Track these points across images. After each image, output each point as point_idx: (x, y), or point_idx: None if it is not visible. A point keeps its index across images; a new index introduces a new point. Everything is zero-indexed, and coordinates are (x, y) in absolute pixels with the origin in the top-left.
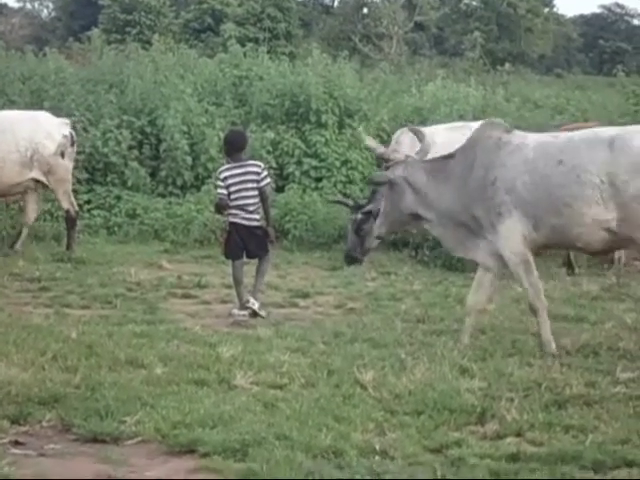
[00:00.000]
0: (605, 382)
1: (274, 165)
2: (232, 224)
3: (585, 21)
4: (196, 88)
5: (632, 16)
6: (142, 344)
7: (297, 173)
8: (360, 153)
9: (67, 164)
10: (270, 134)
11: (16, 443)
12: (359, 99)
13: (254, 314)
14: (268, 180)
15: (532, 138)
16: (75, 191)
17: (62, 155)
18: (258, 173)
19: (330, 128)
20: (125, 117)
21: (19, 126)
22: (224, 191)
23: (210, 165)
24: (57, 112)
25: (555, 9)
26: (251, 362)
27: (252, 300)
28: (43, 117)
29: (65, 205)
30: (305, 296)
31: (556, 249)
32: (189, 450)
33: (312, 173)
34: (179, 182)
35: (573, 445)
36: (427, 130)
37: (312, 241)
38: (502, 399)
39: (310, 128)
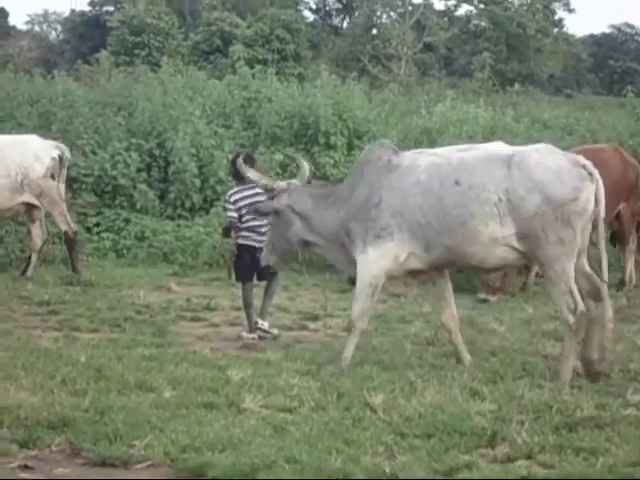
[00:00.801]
0: (616, 404)
1: None
2: (243, 246)
3: (595, 41)
4: (205, 110)
5: None
6: (151, 367)
7: None
8: None
9: (58, 186)
10: (279, 156)
11: (25, 467)
12: (368, 120)
13: (264, 334)
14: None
15: (424, 160)
16: (84, 214)
17: (52, 177)
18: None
19: (339, 150)
20: (134, 140)
21: (8, 151)
22: (234, 214)
23: (219, 187)
24: (65, 135)
25: (565, 29)
26: (260, 385)
27: (261, 321)
28: (31, 141)
29: (63, 226)
30: (315, 318)
31: (449, 268)
32: (198, 474)
33: None
34: (188, 204)
35: (584, 468)
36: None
37: (322, 263)
38: (513, 422)
39: (319, 150)
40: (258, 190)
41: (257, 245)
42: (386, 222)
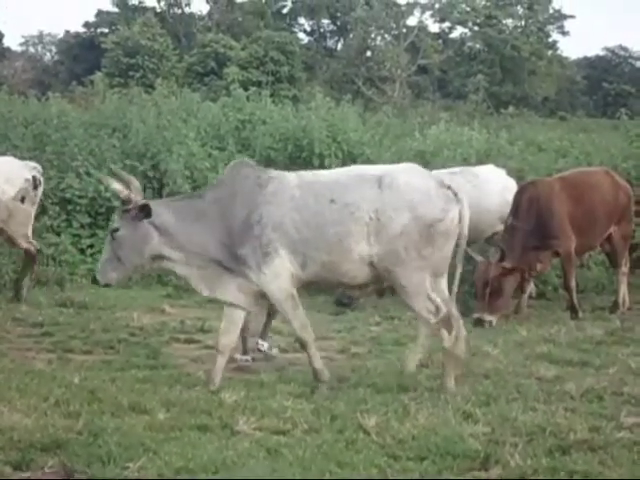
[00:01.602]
0: (609, 427)
1: None
2: None
3: (589, 63)
4: (199, 132)
5: (636, 59)
6: (145, 389)
7: None
8: None
9: (27, 209)
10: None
11: None
12: (362, 143)
13: (263, 354)
14: None
15: (292, 177)
16: (78, 235)
17: (22, 200)
18: None
19: None
20: (128, 161)
21: None
22: None
23: None
24: (60, 156)
25: (559, 52)
26: (254, 407)
27: (261, 341)
28: (3, 162)
29: (24, 245)
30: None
31: (324, 285)
32: None
33: None
34: None
35: None
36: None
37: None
38: (506, 444)
39: None
40: None
41: None
42: (269, 237)
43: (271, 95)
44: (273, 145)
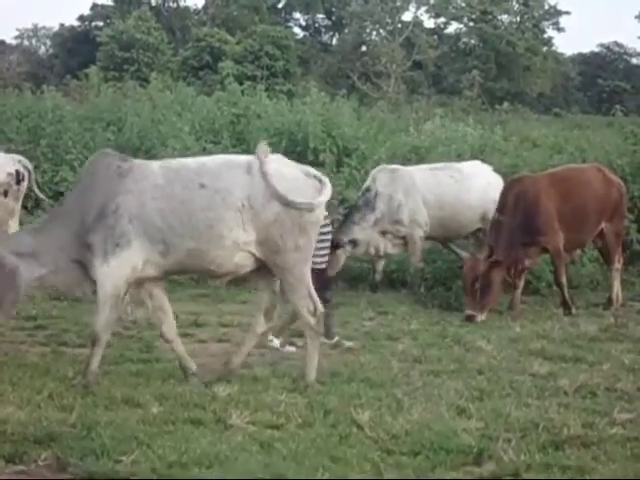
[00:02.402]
0: (603, 423)
1: None
2: None
3: (584, 60)
4: (194, 126)
5: (631, 55)
6: (138, 383)
7: None
8: (357, 192)
9: (9, 203)
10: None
11: None
12: (357, 138)
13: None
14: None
15: (156, 165)
16: None
17: (5, 194)
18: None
19: (328, 167)
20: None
21: None
22: None
23: None
24: (55, 149)
25: (554, 48)
26: (247, 402)
27: (271, 336)
28: None
29: None
30: (302, 335)
31: (189, 273)
32: None
33: None
34: None
35: None
36: (407, 170)
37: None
38: (499, 440)
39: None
40: None
41: None
42: (124, 229)
43: (266, 89)
44: (268, 139)
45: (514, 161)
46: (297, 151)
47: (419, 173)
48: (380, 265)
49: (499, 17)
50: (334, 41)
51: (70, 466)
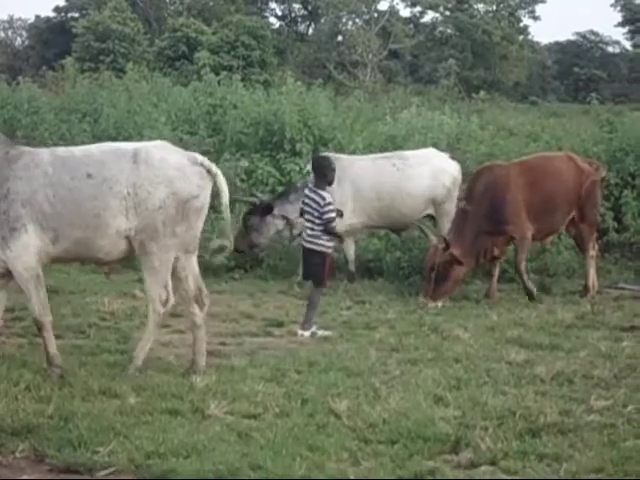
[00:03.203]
0: (579, 410)
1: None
2: (317, 251)
3: (560, 48)
4: (170, 117)
5: (607, 43)
6: (115, 374)
7: None
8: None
9: None
10: (244, 162)
11: None
12: (333, 127)
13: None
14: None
15: (45, 153)
16: None
17: None
18: (320, 204)
19: (304, 157)
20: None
21: None
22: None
23: None
24: (31, 140)
25: (530, 36)
26: (225, 392)
27: (300, 332)
28: None
29: None
30: (280, 325)
31: (77, 261)
32: None
33: None
34: None
35: (547, 474)
36: (347, 159)
37: (287, 270)
38: (476, 428)
39: (284, 156)
40: (315, 197)
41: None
42: (17, 213)
43: (242, 80)
44: (244, 129)
45: (490, 149)
46: (273, 141)
47: (359, 162)
48: (350, 254)
49: (475, 6)
50: (310, 31)
51: (47, 457)
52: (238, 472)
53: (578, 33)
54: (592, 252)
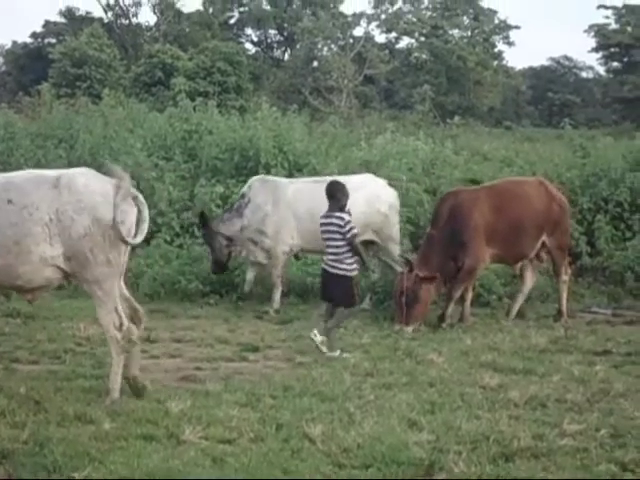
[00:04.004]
0: (553, 435)
1: None
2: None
3: (534, 74)
4: (146, 142)
5: (581, 69)
6: (91, 399)
7: None
8: None
9: None
10: (219, 188)
11: None
12: (308, 153)
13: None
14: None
15: None
16: None
17: None
18: (340, 225)
19: None
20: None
21: None
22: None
23: (159, 219)
24: (6, 166)
25: (504, 62)
26: (200, 417)
27: (315, 331)
28: None
29: None
30: (255, 350)
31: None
32: None
33: None
34: None
35: None
36: (281, 182)
37: (262, 295)
38: (450, 452)
39: None
40: (333, 220)
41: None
42: None
43: (218, 105)
44: (219, 155)
45: (465, 175)
46: (249, 167)
47: (294, 185)
48: (250, 275)
49: (450, 32)
50: (286, 56)
51: None
52: None
53: (552, 58)
54: (565, 277)
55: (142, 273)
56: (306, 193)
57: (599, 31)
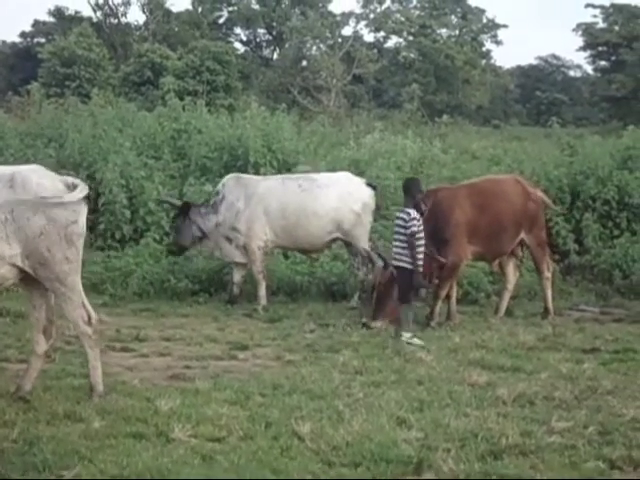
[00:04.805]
0: (541, 432)
1: None
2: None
3: (522, 72)
4: (135, 142)
5: (568, 67)
6: (80, 398)
7: None
8: None
9: None
10: (208, 187)
11: None
12: (297, 152)
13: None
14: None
15: None
16: None
17: None
18: (405, 220)
19: None
20: (64, 171)
21: None
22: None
23: (149, 218)
24: None
25: (492, 61)
26: (189, 415)
27: (404, 333)
28: None
29: None
30: (244, 348)
31: None
32: None
33: None
34: (118, 235)
35: None
36: (254, 179)
37: (251, 293)
38: (439, 450)
39: None
40: (401, 215)
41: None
42: None
43: (207, 104)
44: (209, 154)
45: (453, 173)
46: (237, 165)
47: (267, 182)
48: (237, 276)
49: (438, 31)
50: (275, 56)
51: None
52: None
53: (540, 57)
54: (547, 274)
55: (131, 272)
56: (277, 190)
57: (587, 30)
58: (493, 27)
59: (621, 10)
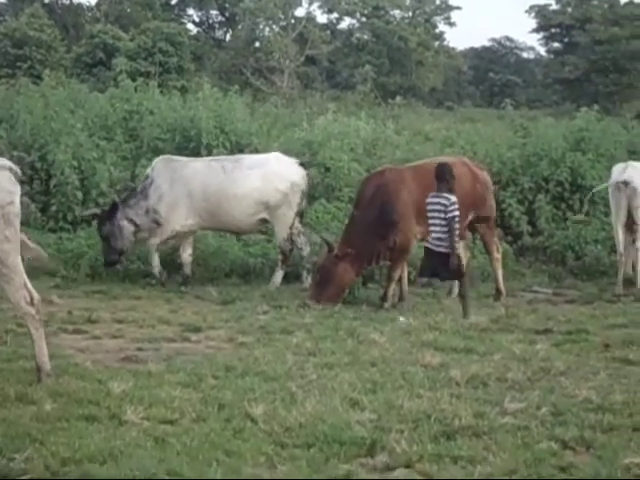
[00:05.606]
0: (494, 413)
1: None
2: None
3: (476, 54)
4: (87, 123)
5: (522, 49)
6: (32, 380)
7: None
8: None
9: None
10: None
11: None
12: (250, 133)
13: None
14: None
15: None
16: None
17: None
18: (446, 205)
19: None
20: (15, 152)
21: None
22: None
23: (101, 200)
24: None
25: (446, 42)
26: (142, 397)
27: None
28: None
29: None
30: (197, 330)
31: None
32: None
33: None
34: (70, 217)
35: (462, 476)
36: (180, 161)
37: (203, 275)
38: (392, 431)
39: None
40: (440, 200)
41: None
42: None
43: (159, 86)
44: (161, 135)
45: (406, 155)
46: (190, 147)
47: (192, 164)
48: (185, 257)
49: (391, 12)
50: (227, 37)
51: None
52: (154, 478)
53: (493, 39)
54: (497, 255)
55: (83, 254)
56: (201, 172)
57: (540, 12)
58: (446, 9)
59: None
